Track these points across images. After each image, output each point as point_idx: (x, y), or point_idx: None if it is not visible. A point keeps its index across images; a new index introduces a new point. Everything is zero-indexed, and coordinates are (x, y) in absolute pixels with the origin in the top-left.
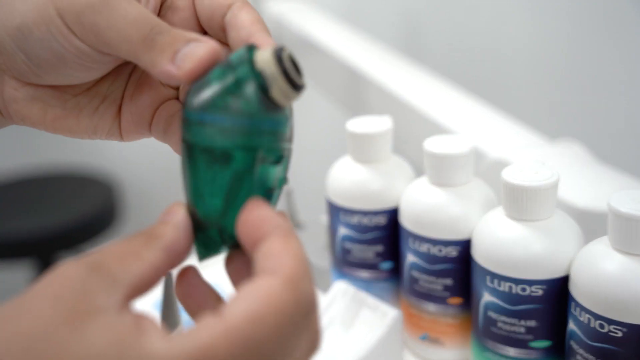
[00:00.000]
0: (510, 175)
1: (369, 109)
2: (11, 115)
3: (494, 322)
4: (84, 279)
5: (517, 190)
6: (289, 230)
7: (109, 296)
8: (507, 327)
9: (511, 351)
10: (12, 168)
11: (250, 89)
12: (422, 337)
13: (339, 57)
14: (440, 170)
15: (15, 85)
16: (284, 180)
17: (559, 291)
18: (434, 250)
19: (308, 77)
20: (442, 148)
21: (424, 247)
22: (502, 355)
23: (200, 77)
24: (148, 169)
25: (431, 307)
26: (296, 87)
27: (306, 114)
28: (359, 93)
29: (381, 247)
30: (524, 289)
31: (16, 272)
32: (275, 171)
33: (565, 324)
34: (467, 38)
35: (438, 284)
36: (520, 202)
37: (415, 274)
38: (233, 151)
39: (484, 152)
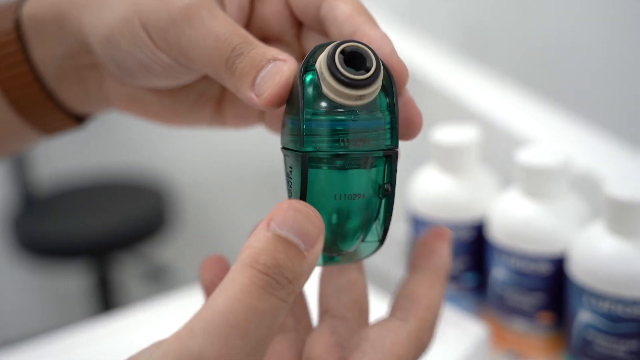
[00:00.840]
0: (615, 190)
1: (434, 117)
2: (117, 108)
3: (590, 343)
4: None
5: (625, 205)
6: (442, 273)
7: None
8: (606, 347)
9: None
10: (74, 176)
11: (308, 88)
12: (507, 353)
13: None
14: (534, 182)
15: (114, 85)
16: (378, 188)
17: None
18: (525, 264)
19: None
20: (536, 159)
21: (514, 261)
22: None
23: (282, 101)
24: (197, 177)
25: (519, 322)
26: (345, 83)
27: None
28: (423, 100)
29: (466, 259)
30: (626, 308)
31: (74, 270)
32: (357, 176)
33: None
34: (533, 42)
35: (528, 299)
36: (627, 217)
37: (504, 288)
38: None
39: (571, 163)
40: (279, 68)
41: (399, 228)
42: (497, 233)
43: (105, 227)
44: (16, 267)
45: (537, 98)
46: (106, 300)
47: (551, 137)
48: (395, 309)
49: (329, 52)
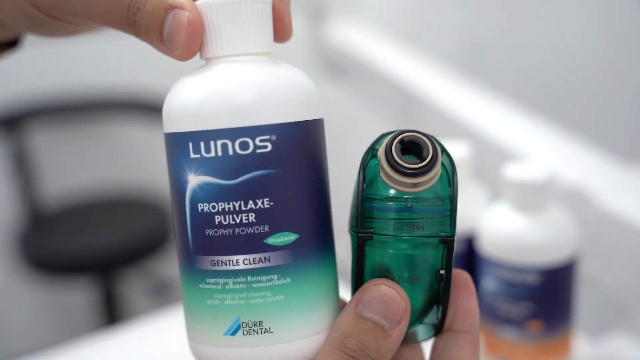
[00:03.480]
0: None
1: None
2: None
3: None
4: None
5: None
6: (478, 333)
7: None
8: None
9: None
10: (80, 193)
11: (369, 173)
12: None
13: (400, 82)
14: (522, 196)
15: None
16: (430, 272)
17: None
18: (513, 275)
19: (372, 101)
20: (523, 174)
21: (503, 272)
22: None
23: (197, 48)
24: None
25: (509, 331)
26: (400, 171)
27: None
28: (414, 114)
29: None
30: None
31: (80, 285)
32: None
33: None
34: (525, 58)
35: (517, 309)
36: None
37: (494, 298)
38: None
39: (558, 177)
40: (179, 20)
41: None
42: (487, 245)
43: (111, 243)
44: (23, 282)
45: (527, 113)
46: (111, 314)
47: (540, 151)
48: None
49: (388, 141)
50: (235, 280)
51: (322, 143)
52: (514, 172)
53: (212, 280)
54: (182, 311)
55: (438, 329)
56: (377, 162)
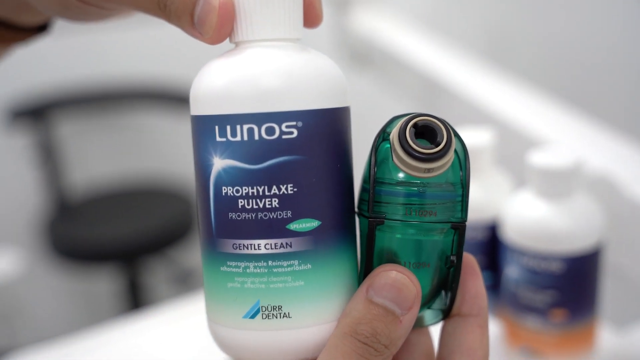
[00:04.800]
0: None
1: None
2: None
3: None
4: None
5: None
6: (487, 316)
7: None
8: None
9: None
10: (106, 183)
11: (381, 157)
12: (521, 350)
13: (425, 71)
14: (547, 183)
15: None
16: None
17: None
18: (537, 262)
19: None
20: (549, 160)
21: (527, 260)
22: None
23: (227, 32)
24: None
25: (533, 320)
26: (413, 156)
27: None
28: (438, 102)
29: (480, 259)
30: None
31: (105, 273)
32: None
33: None
34: (549, 44)
35: (541, 297)
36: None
37: (518, 286)
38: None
39: (584, 164)
40: (210, 3)
41: None
42: (511, 233)
43: (135, 232)
44: (49, 270)
45: (552, 100)
46: (135, 303)
47: (565, 138)
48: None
49: (401, 124)
50: (256, 264)
51: (348, 131)
52: (540, 158)
53: (234, 264)
54: (203, 299)
55: (446, 314)
56: (388, 145)
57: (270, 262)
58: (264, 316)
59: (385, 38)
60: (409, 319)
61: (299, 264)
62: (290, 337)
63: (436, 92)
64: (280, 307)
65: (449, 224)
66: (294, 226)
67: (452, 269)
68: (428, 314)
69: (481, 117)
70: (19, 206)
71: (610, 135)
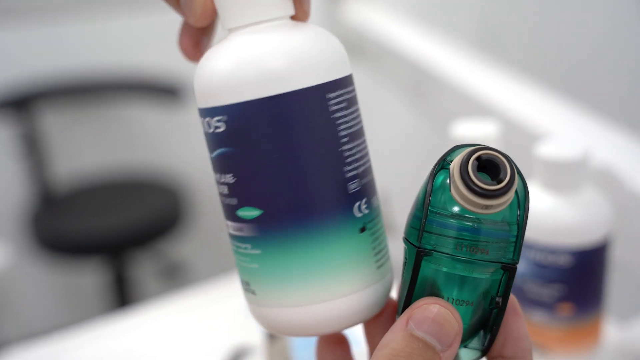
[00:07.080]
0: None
1: (454, 113)
2: None
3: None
4: None
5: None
6: (531, 359)
7: None
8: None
9: None
10: (91, 174)
11: (438, 186)
12: None
13: (418, 63)
14: (554, 175)
15: None
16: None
17: None
18: (544, 256)
19: (389, 81)
20: (555, 152)
21: (534, 253)
22: None
23: (212, 15)
24: (212, 175)
25: (539, 314)
26: (474, 191)
27: (398, 120)
28: (431, 94)
29: None
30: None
31: (91, 267)
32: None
33: None
34: (551, 36)
35: (548, 291)
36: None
37: (524, 280)
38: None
39: (589, 156)
40: None
41: None
42: None
43: (122, 225)
44: (34, 263)
45: (555, 92)
46: (122, 296)
47: (569, 131)
48: None
49: (464, 156)
50: (232, 243)
51: (324, 114)
52: (546, 150)
53: (230, 241)
54: (191, 294)
55: (482, 354)
56: (447, 174)
57: (235, 243)
58: (244, 289)
59: (377, 29)
60: (448, 356)
61: (252, 248)
62: (255, 313)
63: (429, 84)
64: (248, 283)
65: (500, 264)
66: (240, 213)
67: (495, 310)
68: (463, 353)
69: (474, 108)
70: (3, 199)
71: (612, 127)
